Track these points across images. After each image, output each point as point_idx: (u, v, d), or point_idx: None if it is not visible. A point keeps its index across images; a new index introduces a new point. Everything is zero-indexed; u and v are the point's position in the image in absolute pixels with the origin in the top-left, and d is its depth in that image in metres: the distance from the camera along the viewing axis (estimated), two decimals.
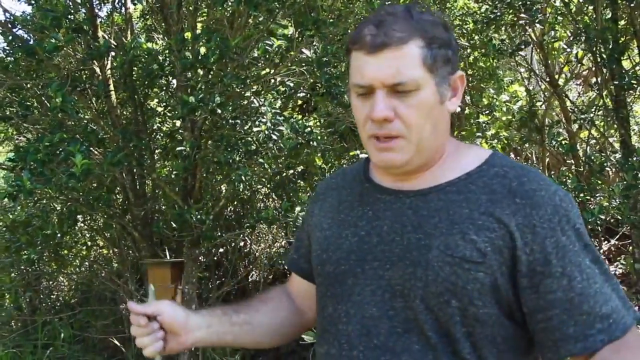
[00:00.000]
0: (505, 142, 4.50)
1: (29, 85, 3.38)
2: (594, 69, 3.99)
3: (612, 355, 0.94)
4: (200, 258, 3.77)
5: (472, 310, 0.96)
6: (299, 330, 1.29)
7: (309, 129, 2.96)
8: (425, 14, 1.03)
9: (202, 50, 2.89)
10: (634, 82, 3.27)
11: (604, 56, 3.31)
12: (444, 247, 0.97)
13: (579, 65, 4.53)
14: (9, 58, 3.23)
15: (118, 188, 3.92)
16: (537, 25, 3.55)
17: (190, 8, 3.33)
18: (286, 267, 1.34)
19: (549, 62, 4.19)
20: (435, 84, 1.00)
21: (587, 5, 3.73)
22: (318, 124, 4.17)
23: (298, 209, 3.09)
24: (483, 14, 3.86)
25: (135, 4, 3.77)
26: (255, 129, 3.05)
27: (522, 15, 3.41)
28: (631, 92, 3.53)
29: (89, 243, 4.84)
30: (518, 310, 0.99)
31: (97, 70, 3.34)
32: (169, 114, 3.72)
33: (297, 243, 1.29)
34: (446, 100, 1.03)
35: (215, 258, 4.65)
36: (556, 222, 0.96)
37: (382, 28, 0.98)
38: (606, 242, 4.63)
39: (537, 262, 0.96)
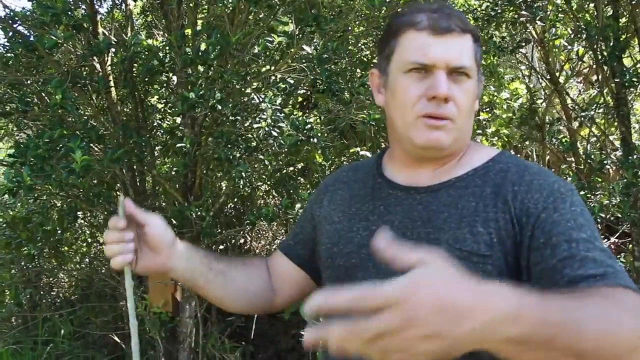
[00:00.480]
0: (506, 139, 4.50)
1: (29, 82, 3.37)
2: (594, 66, 3.99)
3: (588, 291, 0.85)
4: None
5: None
6: (265, 305, 1.28)
7: (309, 125, 2.95)
8: None
9: (203, 46, 2.89)
10: (635, 79, 3.26)
11: (605, 54, 3.31)
12: (453, 241, 0.99)
13: (580, 62, 4.52)
14: (9, 54, 3.22)
15: (118, 184, 3.92)
16: (538, 22, 3.55)
17: (191, 4, 3.32)
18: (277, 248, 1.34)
19: (550, 59, 4.18)
20: (477, 79, 1.07)
21: (588, 3, 3.72)
22: (318, 120, 4.17)
23: (298, 205, 3.09)
24: (484, 11, 3.85)
25: (135, 0, 3.77)
26: (255, 126, 3.05)
27: (523, 12, 3.41)
28: (632, 89, 3.53)
29: (89, 240, 4.84)
30: None
31: (98, 66, 3.34)
32: (169, 111, 3.72)
33: (296, 230, 1.30)
34: (477, 98, 1.10)
35: None
36: (550, 202, 0.97)
37: (444, 14, 1.03)
38: (606, 240, 4.63)
39: (528, 239, 0.96)
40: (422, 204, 1.05)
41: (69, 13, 2.60)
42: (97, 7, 3.37)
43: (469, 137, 1.11)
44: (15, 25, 3.13)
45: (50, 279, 5.16)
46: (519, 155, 4.99)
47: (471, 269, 0.95)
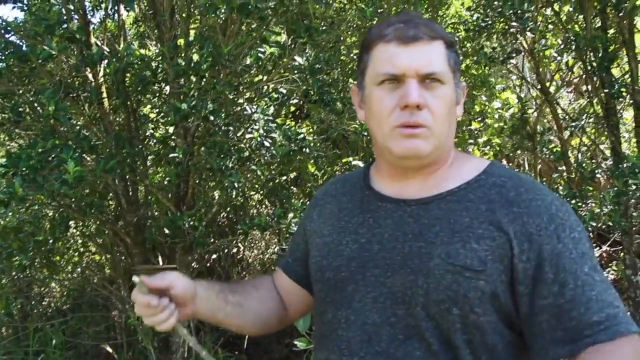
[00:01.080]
0: (498, 149, 4.53)
1: (21, 91, 3.37)
2: (584, 76, 4.03)
3: (592, 356, 0.93)
4: (193, 264, 3.76)
5: (473, 318, 0.97)
6: (280, 323, 1.29)
7: (301, 135, 2.96)
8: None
9: (195, 57, 2.90)
10: (624, 90, 3.30)
11: (594, 64, 3.35)
12: (445, 256, 0.99)
13: (570, 73, 4.57)
14: (1, 64, 3.22)
15: (111, 194, 3.91)
16: (528, 33, 3.58)
17: (183, 15, 3.34)
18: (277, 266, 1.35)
19: (540, 69, 4.22)
20: (454, 85, 1.06)
21: (577, 14, 3.77)
22: (311, 130, 4.18)
23: (291, 215, 3.10)
24: (475, 22, 3.89)
25: (128, 11, 3.78)
26: (248, 136, 3.06)
27: (513, 23, 3.44)
28: (621, 99, 3.57)
29: (81, 249, 4.82)
30: (517, 318, 1.00)
31: (90, 76, 3.34)
32: (161, 121, 3.72)
33: (293, 246, 1.30)
34: (458, 103, 1.09)
35: (208, 264, 4.64)
36: (552, 230, 0.98)
37: (411, 24, 1.04)
38: (598, 248, 4.65)
39: (533, 269, 0.97)
40: (412, 217, 1.05)
41: (63, 24, 2.61)
42: (89, 17, 3.38)
43: (451, 144, 1.09)
44: (7, 36, 3.14)
45: (42, 288, 5.13)
46: (510, 166, 5.03)
47: (463, 284, 0.97)
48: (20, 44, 3.16)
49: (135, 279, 1.09)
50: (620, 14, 3.31)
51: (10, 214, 4.36)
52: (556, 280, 0.96)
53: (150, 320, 1.08)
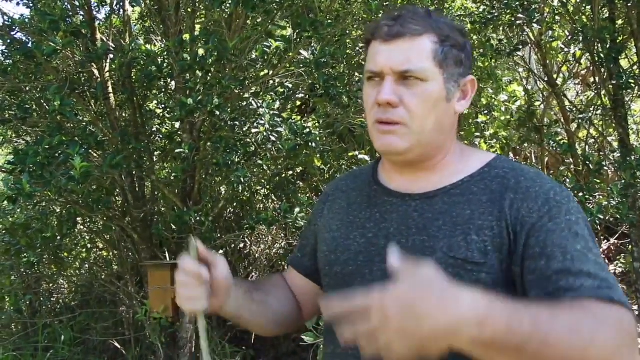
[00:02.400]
0: (504, 142, 4.51)
1: (27, 88, 3.38)
2: (592, 68, 4.00)
3: (577, 305, 0.85)
4: None
5: None
6: (296, 323, 1.29)
7: (307, 130, 2.96)
8: (445, 18, 1.09)
9: (201, 52, 2.90)
10: (632, 81, 3.27)
11: (602, 56, 3.32)
12: (447, 249, 0.99)
13: (577, 64, 4.54)
14: (7, 61, 3.23)
15: (117, 190, 3.93)
16: (535, 25, 3.55)
17: (189, 10, 3.33)
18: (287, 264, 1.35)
19: (547, 61, 4.20)
20: (444, 80, 1.03)
21: (584, 5, 3.73)
22: (317, 125, 4.18)
23: (297, 210, 3.10)
24: (481, 15, 3.87)
25: (133, 6, 3.78)
26: (254, 131, 3.05)
27: (520, 15, 3.42)
28: (629, 91, 3.54)
29: (89, 245, 4.84)
30: None
31: (96, 72, 3.34)
32: (167, 116, 3.73)
33: (303, 242, 1.30)
34: (453, 99, 1.06)
35: None
36: (545, 211, 0.97)
37: (400, 20, 1.03)
38: (606, 241, 4.63)
39: (522, 247, 0.96)
40: (417, 211, 1.05)
41: (68, 20, 2.61)
42: (95, 13, 3.38)
43: (443, 141, 1.07)
44: (13, 33, 3.14)
45: (50, 285, 5.16)
46: (517, 158, 5.01)
47: (465, 277, 0.96)
48: (26, 40, 3.17)
49: (192, 240, 1.05)
50: (629, 4, 3.28)
51: (18, 210, 4.39)
52: (543, 254, 0.93)
53: (186, 291, 1.04)
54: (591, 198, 3.16)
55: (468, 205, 1.02)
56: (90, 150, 3.10)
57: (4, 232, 4.12)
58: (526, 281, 0.95)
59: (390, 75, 1.02)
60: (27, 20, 3.27)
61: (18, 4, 3.21)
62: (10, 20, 3.17)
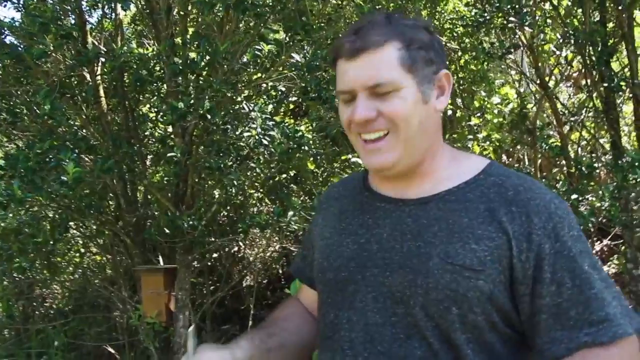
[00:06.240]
0: (497, 144, 4.52)
1: (18, 92, 3.36)
2: (583, 71, 4.01)
3: (588, 358, 0.93)
4: (193, 264, 3.76)
5: (472, 318, 0.96)
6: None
7: (300, 133, 2.95)
8: (406, 19, 1.05)
9: (192, 55, 2.89)
10: (623, 83, 3.29)
11: (594, 58, 3.34)
12: (444, 255, 0.98)
13: (569, 67, 4.56)
14: None
15: (110, 195, 3.91)
16: (527, 28, 3.57)
17: (180, 13, 3.32)
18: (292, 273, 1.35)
19: (539, 64, 4.21)
20: (417, 84, 1.01)
21: (575, 8, 3.75)
22: (309, 128, 4.17)
23: (291, 213, 3.09)
24: (473, 18, 3.88)
25: (125, 10, 3.77)
26: (246, 134, 3.05)
27: (512, 18, 3.43)
28: (620, 93, 3.56)
29: (82, 250, 4.82)
30: (518, 319, 0.99)
31: (87, 76, 3.33)
32: (159, 120, 3.72)
33: (304, 251, 1.29)
34: (430, 100, 1.03)
35: (209, 263, 4.64)
36: (550, 229, 0.97)
37: (360, 34, 1.01)
38: (599, 242, 4.65)
39: (532, 270, 0.96)
40: (411, 217, 1.04)
41: (58, 22, 2.60)
42: (87, 16, 3.37)
43: (429, 144, 1.06)
44: (2, 36, 3.13)
45: (43, 290, 5.13)
46: (510, 160, 5.01)
47: (462, 283, 0.96)
48: (16, 44, 3.15)
49: (191, 331, 1.09)
50: (620, 7, 3.29)
51: (10, 215, 4.36)
52: (554, 279, 0.95)
53: None
54: (583, 200, 3.17)
55: (465, 213, 1.00)
56: (82, 155, 3.08)
57: None
58: (536, 304, 0.97)
59: (362, 92, 1.00)
60: (16, 23, 3.25)
61: (4, 5, 3.18)
62: None
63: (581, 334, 0.94)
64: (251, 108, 2.96)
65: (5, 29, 3.01)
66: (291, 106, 4.45)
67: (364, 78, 1.00)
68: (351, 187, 1.19)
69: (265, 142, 2.86)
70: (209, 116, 2.75)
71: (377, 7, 3.38)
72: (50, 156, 2.53)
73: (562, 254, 0.96)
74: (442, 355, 0.97)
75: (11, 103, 3.40)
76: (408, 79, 1.00)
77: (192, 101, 2.73)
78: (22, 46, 2.93)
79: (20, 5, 3.27)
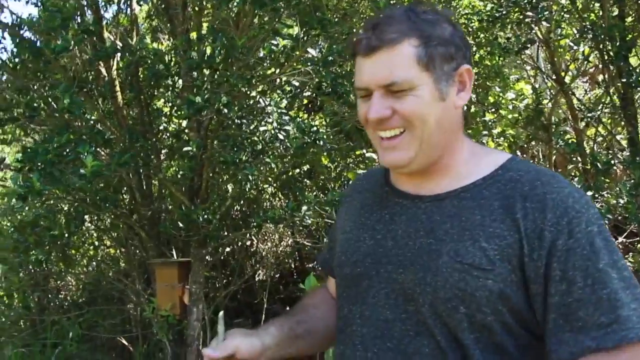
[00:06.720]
0: (512, 140, 4.49)
1: (35, 87, 3.39)
2: (600, 66, 3.97)
3: None
4: (207, 257, 3.78)
5: (480, 317, 0.95)
6: None
7: (315, 128, 2.96)
8: (426, 13, 1.02)
9: (208, 50, 2.90)
10: None
11: (611, 53, 3.30)
12: (454, 253, 0.97)
13: (586, 62, 4.51)
14: (15, 59, 3.25)
15: (125, 188, 3.94)
16: (543, 23, 3.53)
17: (196, 8, 3.33)
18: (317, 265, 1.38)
19: (555, 59, 4.17)
20: (434, 82, 0.99)
21: (593, 3, 3.71)
22: (324, 123, 4.17)
23: (304, 208, 3.09)
24: (488, 13, 3.85)
25: (140, 5, 3.79)
26: (261, 129, 3.06)
27: (528, 13, 3.40)
28: (639, 89, 3.51)
29: (97, 243, 4.86)
30: (532, 319, 0.96)
31: (104, 71, 3.36)
32: (175, 114, 3.74)
33: (330, 243, 1.30)
34: (448, 97, 1.01)
35: (222, 257, 4.66)
36: (564, 224, 0.94)
37: (377, 30, 1.00)
38: (614, 239, 4.60)
39: (544, 268, 0.93)
40: (426, 214, 1.03)
41: (77, 18, 2.62)
42: (103, 12, 3.39)
43: (447, 142, 1.04)
44: (21, 32, 3.16)
45: (58, 282, 5.19)
46: (524, 156, 4.98)
47: (471, 282, 0.94)
48: (35, 39, 3.18)
49: (220, 317, 1.11)
50: (639, 2, 3.25)
51: (26, 208, 4.41)
52: (564, 277, 0.92)
53: None
54: (600, 197, 3.14)
55: (479, 210, 0.99)
56: (98, 149, 3.11)
57: (12, 229, 4.14)
58: (548, 304, 0.94)
59: (377, 90, 0.99)
60: (35, 19, 3.28)
61: (27, 2, 3.22)
62: (18, 20, 3.19)
63: (587, 338, 0.90)
64: (267, 103, 2.97)
65: (24, 24, 3.05)
66: (305, 101, 4.45)
67: (379, 76, 0.99)
68: (374, 181, 1.18)
69: (280, 136, 2.86)
70: (224, 110, 2.76)
71: (392, 1, 3.36)
72: (68, 150, 2.55)
73: (574, 251, 0.92)
74: (450, 353, 0.96)
75: (28, 97, 3.43)
76: (424, 77, 0.99)
77: (207, 96, 2.74)
78: (40, 41, 2.95)
79: (39, 1, 3.30)
